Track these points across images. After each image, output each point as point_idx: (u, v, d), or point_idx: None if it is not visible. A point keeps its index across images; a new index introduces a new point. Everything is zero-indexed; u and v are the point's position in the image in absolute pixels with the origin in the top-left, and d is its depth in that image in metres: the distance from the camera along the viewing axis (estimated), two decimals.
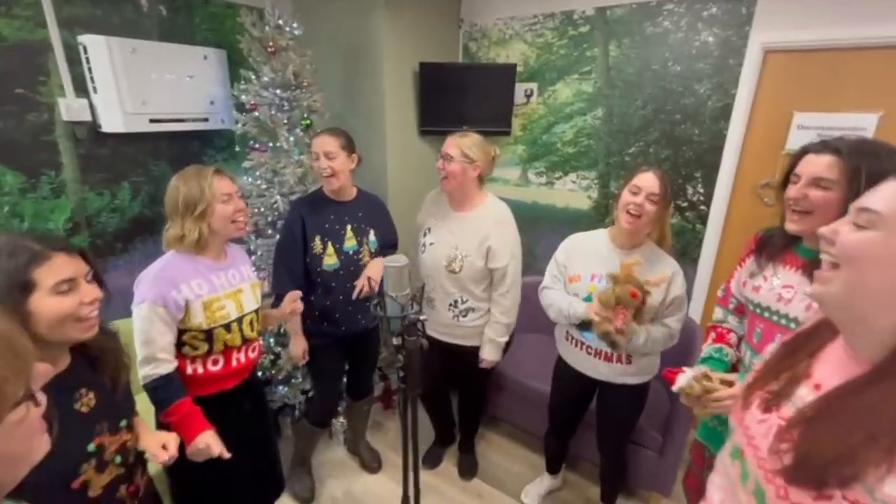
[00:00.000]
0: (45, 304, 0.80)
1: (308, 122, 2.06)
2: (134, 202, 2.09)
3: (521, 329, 2.29)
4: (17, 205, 1.77)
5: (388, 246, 1.89)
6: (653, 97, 2.22)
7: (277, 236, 2.05)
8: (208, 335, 1.30)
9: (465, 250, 1.72)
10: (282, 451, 2.32)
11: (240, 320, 1.36)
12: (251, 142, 2.05)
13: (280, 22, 1.93)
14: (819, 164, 0.99)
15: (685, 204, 2.26)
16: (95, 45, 1.78)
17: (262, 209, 2.08)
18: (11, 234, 0.87)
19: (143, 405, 1.17)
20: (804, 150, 1.05)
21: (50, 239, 0.86)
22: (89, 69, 1.82)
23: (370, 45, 2.28)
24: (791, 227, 1.05)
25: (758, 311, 1.18)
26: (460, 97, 2.47)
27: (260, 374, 2.26)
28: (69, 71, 1.80)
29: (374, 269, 1.73)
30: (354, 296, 1.74)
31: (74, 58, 1.81)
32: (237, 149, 2.21)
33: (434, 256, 1.76)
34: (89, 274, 0.90)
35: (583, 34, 2.33)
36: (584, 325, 1.52)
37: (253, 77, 1.97)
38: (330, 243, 1.71)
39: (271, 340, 2.17)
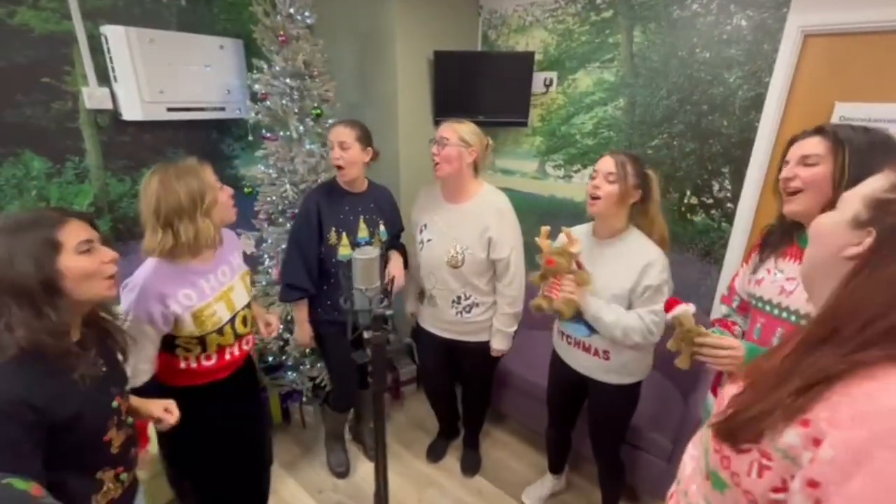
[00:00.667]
0: (73, 261, 0.86)
1: (318, 111, 2.06)
2: None
3: (530, 326, 2.24)
4: (43, 189, 1.86)
5: (396, 236, 1.89)
6: (678, 86, 2.08)
7: (288, 225, 2.09)
8: (201, 340, 1.29)
9: (465, 243, 1.68)
10: (289, 435, 2.41)
11: (232, 320, 1.35)
12: (262, 131, 2.08)
13: (291, 11, 1.93)
14: (805, 145, 1.01)
15: (710, 201, 2.12)
16: (115, 36, 1.84)
17: (273, 198, 2.11)
18: (29, 210, 0.91)
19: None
20: (793, 139, 1.07)
21: (62, 209, 0.93)
22: (110, 59, 1.88)
23: (383, 33, 2.25)
24: (787, 208, 1.05)
25: (759, 304, 1.14)
26: (476, 86, 2.41)
27: (271, 359, 2.32)
28: (92, 61, 1.87)
29: (396, 266, 1.75)
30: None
31: (97, 48, 1.88)
32: (250, 138, 2.24)
33: (433, 252, 1.73)
34: (100, 238, 0.95)
35: (606, 20, 2.21)
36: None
37: (265, 66, 1.99)
38: (345, 234, 1.71)
39: (280, 327, 2.21)
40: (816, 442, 0.50)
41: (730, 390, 0.67)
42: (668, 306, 1.14)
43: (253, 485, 1.66)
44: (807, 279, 0.67)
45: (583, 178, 2.48)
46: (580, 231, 1.58)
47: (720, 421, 0.61)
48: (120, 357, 1.05)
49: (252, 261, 1.84)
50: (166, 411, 1.14)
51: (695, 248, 2.20)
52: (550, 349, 1.75)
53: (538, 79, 2.46)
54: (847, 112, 1.75)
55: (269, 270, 2.20)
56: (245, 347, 1.45)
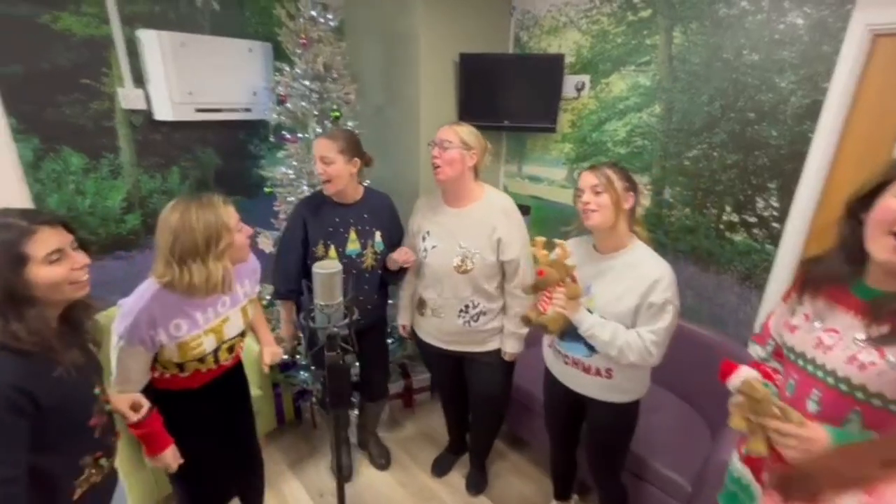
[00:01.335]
0: (41, 273, 0.86)
1: (337, 114, 2.06)
2: (182, 185, 2.26)
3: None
4: (80, 183, 1.98)
5: (395, 246, 1.83)
6: (721, 92, 1.89)
7: None
8: (180, 365, 1.29)
9: (473, 247, 1.61)
10: (299, 434, 2.43)
11: (216, 350, 1.33)
12: (283, 132, 2.10)
13: (314, 13, 1.94)
14: None
15: (753, 219, 1.91)
16: (149, 39, 1.93)
17: (292, 198, 2.13)
18: None
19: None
20: None
21: (32, 214, 0.92)
22: (144, 62, 1.98)
23: (408, 35, 2.22)
24: (884, 255, 0.78)
25: (791, 356, 0.96)
26: (501, 90, 2.32)
27: (285, 356, 2.34)
28: (128, 63, 1.97)
29: (403, 251, 1.71)
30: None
31: (133, 51, 1.97)
32: (272, 138, 2.27)
33: (439, 260, 1.66)
34: (74, 242, 0.95)
35: (643, 19, 2.05)
36: (561, 334, 1.42)
37: (286, 68, 2.01)
38: (333, 247, 1.69)
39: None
40: None
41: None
42: (725, 371, 0.97)
43: (237, 486, 1.67)
44: None
45: None
46: (582, 243, 1.48)
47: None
48: (93, 347, 1.06)
49: (270, 259, 1.85)
50: (132, 409, 1.16)
51: (734, 270, 1.99)
52: None
53: (570, 82, 2.33)
54: None
55: None
56: (225, 364, 1.41)
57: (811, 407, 0.89)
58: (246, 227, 1.29)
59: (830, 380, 0.85)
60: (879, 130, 1.61)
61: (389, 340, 2.55)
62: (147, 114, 2.07)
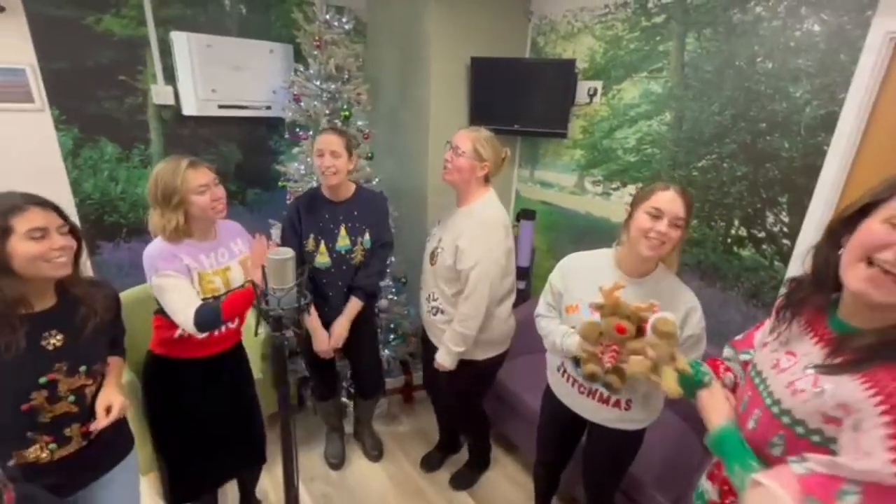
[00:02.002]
0: (20, 246, 0.96)
1: (347, 113, 2.14)
2: None
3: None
4: (114, 171, 2.17)
5: (381, 246, 1.88)
6: (733, 100, 1.82)
7: None
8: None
9: (443, 244, 1.65)
10: (300, 419, 2.52)
11: (227, 294, 1.46)
12: (297, 129, 2.21)
13: (327, 17, 2.03)
14: None
15: (762, 234, 1.82)
16: (179, 40, 2.08)
17: (301, 192, 2.23)
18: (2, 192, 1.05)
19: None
20: None
21: (29, 196, 1.02)
22: (175, 61, 2.14)
23: (421, 37, 2.27)
24: (856, 285, 0.70)
25: (752, 372, 0.93)
26: (512, 94, 2.33)
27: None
28: (161, 62, 2.14)
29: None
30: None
31: (166, 51, 2.14)
32: (286, 135, 2.39)
33: (428, 245, 1.75)
34: (64, 227, 1.05)
35: (657, 25, 2.00)
36: (578, 361, 1.31)
37: (301, 69, 2.11)
38: (323, 242, 1.76)
39: None
40: None
41: None
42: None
43: (235, 469, 1.75)
44: None
45: (622, 197, 2.28)
46: (598, 258, 1.38)
47: None
48: (91, 332, 1.11)
49: None
50: (106, 412, 1.12)
51: (740, 286, 1.91)
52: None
53: (582, 88, 2.31)
54: None
55: None
56: (231, 326, 1.53)
57: (750, 424, 0.86)
58: (216, 190, 1.41)
59: (769, 400, 0.82)
60: None
61: (391, 337, 2.61)
62: (176, 109, 2.23)
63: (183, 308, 1.31)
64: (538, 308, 1.50)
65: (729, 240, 1.92)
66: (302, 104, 2.13)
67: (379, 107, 2.68)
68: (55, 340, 1.06)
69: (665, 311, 1.05)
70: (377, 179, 2.35)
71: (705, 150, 1.93)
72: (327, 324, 1.86)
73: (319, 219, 1.76)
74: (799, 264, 1.75)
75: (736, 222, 1.89)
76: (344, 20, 2.08)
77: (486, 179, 1.66)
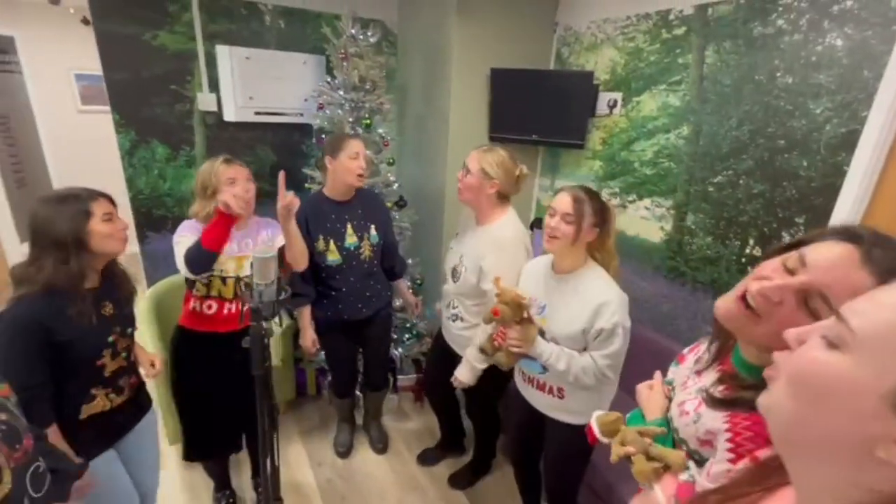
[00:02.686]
0: (99, 226, 1.20)
1: (368, 122, 2.26)
2: None
3: None
4: (163, 170, 2.42)
5: (389, 244, 2.00)
6: (751, 116, 1.76)
7: None
8: (208, 282, 1.60)
9: (465, 263, 1.72)
10: (316, 407, 2.67)
11: (237, 279, 1.63)
12: (323, 135, 2.36)
13: (353, 31, 2.17)
14: None
15: None
16: (222, 53, 2.30)
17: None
18: (69, 188, 1.26)
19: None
20: None
21: (90, 189, 1.24)
22: (218, 71, 2.36)
23: (444, 49, 2.36)
24: (718, 311, 0.75)
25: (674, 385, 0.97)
26: (531, 105, 2.36)
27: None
28: (206, 72, 2.37)
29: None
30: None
31: (211, 62, 2.37)
32: (313, 140, 2.55)
33: (448, 259, 1.83)
34: (115, 213, 1.27)
35: (677, 37, 1.97)
36: None
37: (329, 79, 2.26)
38: (332, 241, 1.88)
39: None
40: None
41: None
42: None
43: (236, 444, 1.90)
44: (786, 448, 0.44)
45: (637, 210, 2.25)
46: (544, 261, 1.50)
47: None
48: (126, 302, 1.37)
49: None
50: (151, 365, 1.47)
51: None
52: None
53: (602, 100, 2.30)
54: None
55: None
56: (241, 309, 1.68)
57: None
58: (246, 183, 1.60)
59: (670, 415, 0.88)
60: None
61: (406, 336, 2.72)
62: (218, 115, 2.45)
63: (181, 252, 1.50)
64: None
65: (743, 259, 1.86)
66: (327, 112, 2.28)
67: (407, 113, 2.80)
68: (108, 309, 1.29)
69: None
70: (396, 185, 2.47)
71: (722, 166, 1.88)
72: (342, 315, 1.98)
73: (326, 220, 1.89)
74: None
75: (751, 241, 1.82)
76: (370, 34, 2.21)
77: (506, 199, 1.71)
